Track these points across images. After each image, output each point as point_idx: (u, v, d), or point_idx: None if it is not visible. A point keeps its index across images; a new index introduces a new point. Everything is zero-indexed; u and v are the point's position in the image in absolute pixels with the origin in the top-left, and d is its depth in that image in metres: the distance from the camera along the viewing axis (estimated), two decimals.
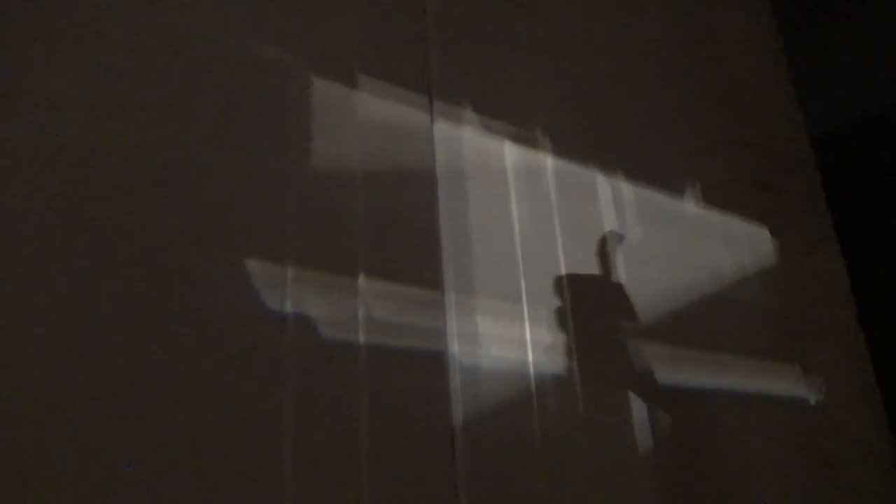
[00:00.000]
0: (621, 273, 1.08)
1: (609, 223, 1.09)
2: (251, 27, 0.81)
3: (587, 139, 1.12)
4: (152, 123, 0.71)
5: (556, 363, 0.92)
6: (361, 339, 0.76)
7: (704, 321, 1.19)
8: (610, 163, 1.13)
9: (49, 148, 0.64)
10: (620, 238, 1.12)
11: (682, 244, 1.20)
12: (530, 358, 0.89)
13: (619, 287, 1.06)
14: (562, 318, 0.95)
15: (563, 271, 0.98)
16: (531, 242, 0.96)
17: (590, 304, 1.00)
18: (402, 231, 0.84)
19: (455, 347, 0.83)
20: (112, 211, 0.65)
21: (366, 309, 0.77)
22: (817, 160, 1.68)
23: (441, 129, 0.93)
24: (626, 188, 1.14)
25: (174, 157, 0.70)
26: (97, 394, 0.60)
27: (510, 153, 1.00)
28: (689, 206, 1.25)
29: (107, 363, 0.61)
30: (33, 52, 0.66)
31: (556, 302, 0.96)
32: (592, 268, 1.04)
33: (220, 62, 0.78)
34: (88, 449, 0.58)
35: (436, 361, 0.81)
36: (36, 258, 0.61)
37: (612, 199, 1.11)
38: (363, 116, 0.86)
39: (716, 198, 1.31)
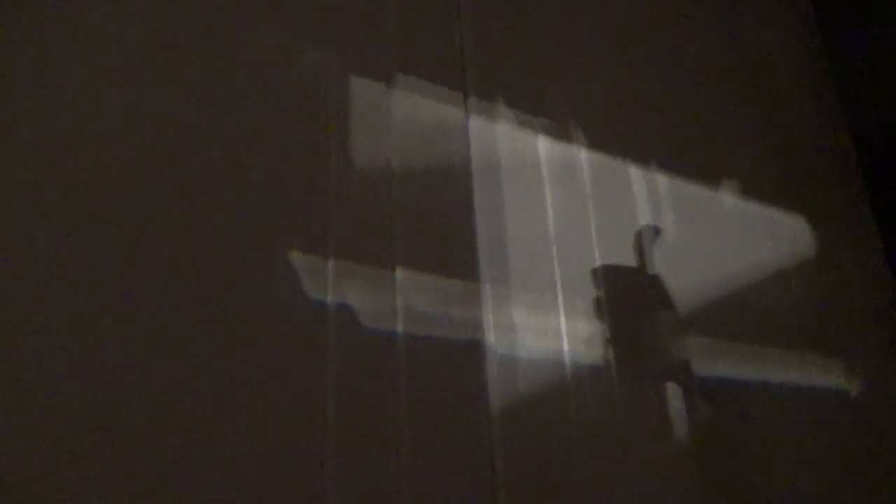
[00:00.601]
0: (658, 266, 1.08)
1: (644, 215, 1.09)
2: (291, 30, 0.84)
3: (621, 132, 1.12)
4: (201, 126, 0.74)
5: (592, 354, 0.93)
6: (399, 329, 0.78)
7: (742, 313, 1.18)
8: (645, 156, 1.14)
9: (104, 148, 0.68)
10: (657, 232, 1.13)
11: (718, 236, 1.20)
12: (566, 348, 0.90)
13: (655, 279, 1.07)
14: (599, 309, 0.96)
15: (598, 263, 0.99)
16: (566, 235, 0.98)
17: (626, 296, 1.01)
18: (438, 225, 0.86)
19: (491, 337, 0.84)
20: (167, 208, 0.69)
21: (404, 300, 0.80)
22: (860, 158, 1.65)
23: (476, 124, 0.95)
24: (662, 181, 1.15)
25: (223, 157, 0.74)
26: (143, 383, 0.63)
27: (544, 147, 1.02)
28: (727, 198, 1.25)
29: (155, 353, 0.65)
30: (70, 53, 0.70)
31: (592, 293, 0.97)
32: (628, 260, 1.04)
33: (263, 65, 0.81)
34: (129, 434, 0.61)
35: (472, 351, 0.83)
36: (85, 253, 0.64)
37: (646, 191, 1.11)
38: (400, 114, 0.89)
39: (753, 190, 1.30)
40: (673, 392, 0.99)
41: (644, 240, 1.09)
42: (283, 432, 0.68)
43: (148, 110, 0.72)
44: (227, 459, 0.65)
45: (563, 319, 0.92)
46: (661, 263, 1.09)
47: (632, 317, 1.00)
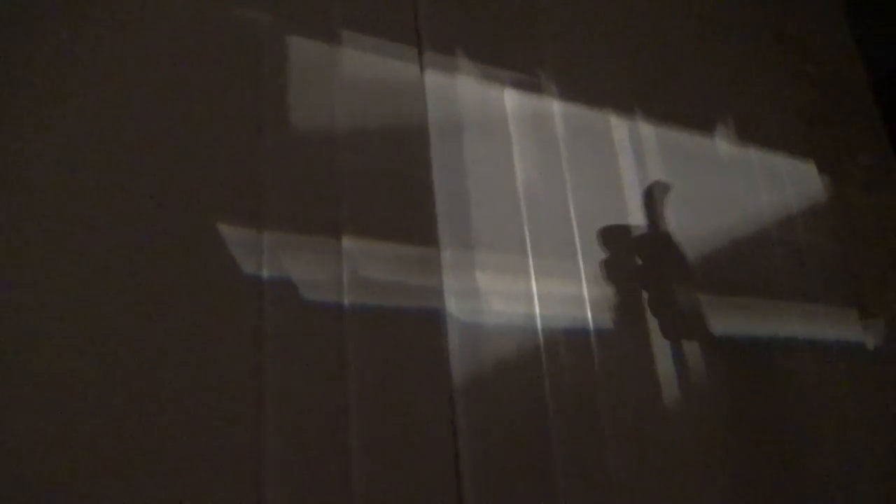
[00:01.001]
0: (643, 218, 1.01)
1: (628, 169, 1.02)
2: None
3: (599, 79, 1.05)
4: (123, 88, 0.70)
5: (568, 317, 0.87)
6: (347, 301, 0.73)
7: (746, 266, 1.11)
8: (627, 104, 1.06)
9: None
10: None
11: (714, 186, 1.12)
12: (538, 312, 0.85)
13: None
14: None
15: (574, 221, 0.93)
16: (536, 193, 0.91)
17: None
18: (391, 188, 0.81)
19: (452, 305, 0.79)
20: (83, 176, 0.65)
21: (351, 269, 0.75)
22: (878, 99, 1.55)
23: (432, 80, 0.89)
24: (647, 130, 1.07)
25: (147, 122, 0.69)
26: (64, 363, 0.59)
27: (511, 101, 0.95)
28: (722, 145, 1.16)
29: (75, 333, 0.61)
30: None
31: (572, 253, 0.91)
32: (609, 218, 0.97)
33: (192, 22, 0.76)
34: (55, 416, 0.58)
35: (431, 320, 0.77)
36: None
37: (630, 143, 1.04)
38: (347, 73, 0.83)
39: (753, 134, 1.22)
40: (659, 351, 0.92)
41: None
42: (217, 420, 0.63)
43: (67, 69, 0.68)
44: (157, 449, 0.61)
45: (534, 282, 0.86)
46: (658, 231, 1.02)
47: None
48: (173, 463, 0.61)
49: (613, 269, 0.92)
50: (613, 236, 0.95)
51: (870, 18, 1.73)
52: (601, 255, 0.93)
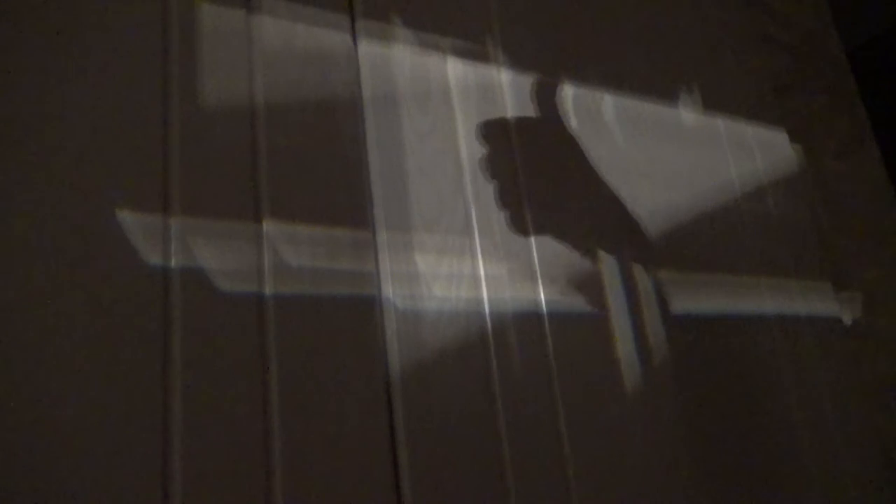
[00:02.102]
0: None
1: (583, 140, 0.96)
2: None
3: (551, 45, 0.98)
4: (9, 58, 0.63)
5: (518, 299, 0.81)
6: (268, 290, 0.67)
7: (714, 240, 1.05)
8: (582, 72, 1.00)
9: None
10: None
11: (678, 157, 1.06)
12: (485, 295, 0.78)
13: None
14: (520, 231, 0.84)
15: (525, 198, 0.86)
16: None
17: (553, 214, 0.88)
18: (317, 168, 0.74)
19: (389, 291, 0.73)
20: None
21: (273, 256, 0.68)
22: (856, 65, 1.49)
23: (367, 50, 0.82)
24: (605, 100, 1.01)
25: (33, 92, 0.62)
26: None
27: (455, 71, 0.88)
28: (687, 114, 1.10)
29: None
30: None
31: (510, 215, 0.84)
32: (562, 192, 0.91)
33: None
34: None
35: (365, 308, 0.71)
36: None
37: (586, 113, 0.98)
38: (265, 43, 0.76)
39: (720, 102, 1.16)
40: (620, 331, 0.86)
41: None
42: (121, 424, 0.57)
43: None
44: (56, 455, 0.54)
45: (480, 264, 0.80)
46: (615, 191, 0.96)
47: (558, 239, 0.87)
48: (73, 471, 0.55)
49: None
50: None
51: None
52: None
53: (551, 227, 0.86)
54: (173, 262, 0.63)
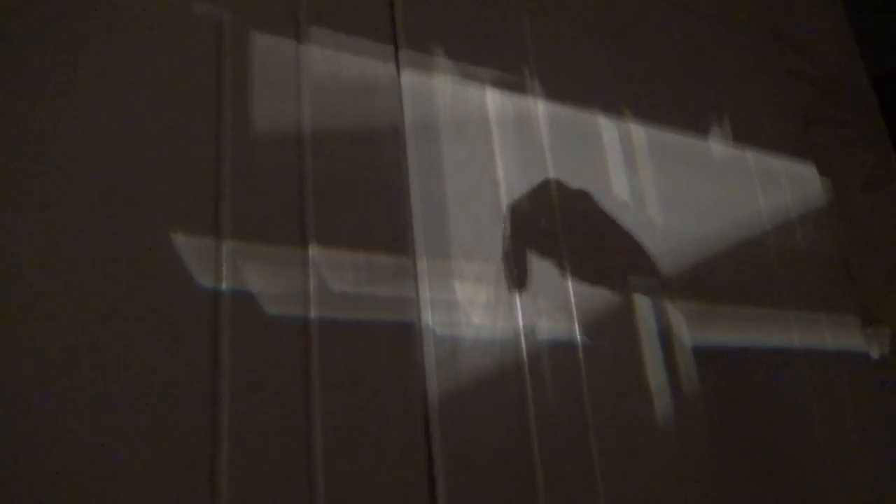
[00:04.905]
0: (638, 227, 0.96)
1: (617, 172, 0.97)
2: None
3: (587, 78, 1.00)
4: (76, 88, 0.65)
5: (551, 328, 0.82)
6: (313, 314, 0.68)
7: (743, 272, 1.06)
8: (616, 103, 1.01)
9: None
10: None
11: (708, 190, 1.07)
12: (520, 324, 0.80)
13: (626, 235, 0.95)
14: (560, 275, 0.85)
15: (559, 224, 0.88)
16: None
17: (592, 256, 0.89)
18: (362, 194, 0.76)
19: (429, 317, 0.74)
20: (30, 179, 0.60)
21: (318, 281, 0.70)
22: (881, 100, 1.50)
23: (409, 79, 0.84)
24: (638, 131, 1.02)
25: (96, 121, 0.64)
26: (6, 374, 0.55)
27: (493, 101, 0.90)
28: (717, 146, 1.11)
29: (20, 350, 0.56)
30: None
31: (549, 255, 0.86)
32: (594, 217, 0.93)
33: (149, 21, 0.71)
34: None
35: (405, 334, 0.72)
36: None
37: (619, 144, 0.99)
38: (313, 72, 0.78)
39: (750, 134, 1.17)
40: (652, 363, 0.87)
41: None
42: (172, 443, 0.59)
43: (20, 65, 0.63)
44: (110, 472, 0.56)
45: (516, 292, 0.81)
46: (644, 224, 0.97)
47: (598, 280, 0.88)
48: (122, 488, 0.56)
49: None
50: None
51: (870, 15, 1.68)
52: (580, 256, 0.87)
53: (587, 270, 0.88)
54: (224, 285, 0.65)
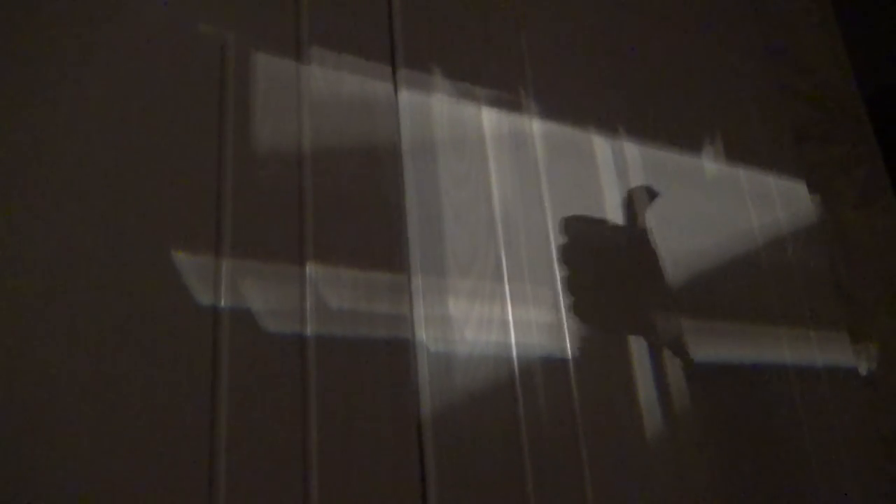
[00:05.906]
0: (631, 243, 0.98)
1: (610, 189, 0.99)
2: (184, 3, 0.76)
3: (582, 97, 1.02)
4: (75, 107, 0.66)
5: (544, 345, 0.83)
6: (310, 331, 0.70)
7: (734, 289, 1.07)
8: (610, 122, 1.03)
9: None
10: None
11: (701, 207, 1.09)
12: (513, 340, 0.81)
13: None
14: (561, 290, 0.87)
15: (553, 245, 0.89)
16: (514, 216, 0.88)
17: (589, 275, 0.91)
18: (359, 212, 0.77)
19: (422, 334, 0.76)
20: (28, 198, 0.61)
21: (315, 298, 0.71)
22: (871, 117, 1.52)
23: (406, 98, 0.86)
24: (631, 149, 1.04)
25: (97, 138, 0.66)
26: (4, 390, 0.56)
27: (489, 119, 0.92)
28: (709, 164, 1.13)
29: (21, 367, 0.57)
30: None
31: (548, 276, 0.87)
32: (591, 238, 0.94)
33: (152, 40, 0.73)
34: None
35: (400, 350, 0.74)
36: None
37: (613, 162, 1.01)
38: (313, 91, 0.80)
39: (741, 152, 1.19)
40: (643, 380, 0.89)
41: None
42: (169, 456, 0.60)
43: (21, 77, 0.64)
44: (107, 490, 0.57)
45: (509, 308, 0.83)
46: (637, 240, 0.99)
47: (594, 298, 0.90)
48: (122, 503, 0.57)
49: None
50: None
51: (862, 32, 1.71)
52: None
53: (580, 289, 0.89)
54: (223, 303, 0.66)
